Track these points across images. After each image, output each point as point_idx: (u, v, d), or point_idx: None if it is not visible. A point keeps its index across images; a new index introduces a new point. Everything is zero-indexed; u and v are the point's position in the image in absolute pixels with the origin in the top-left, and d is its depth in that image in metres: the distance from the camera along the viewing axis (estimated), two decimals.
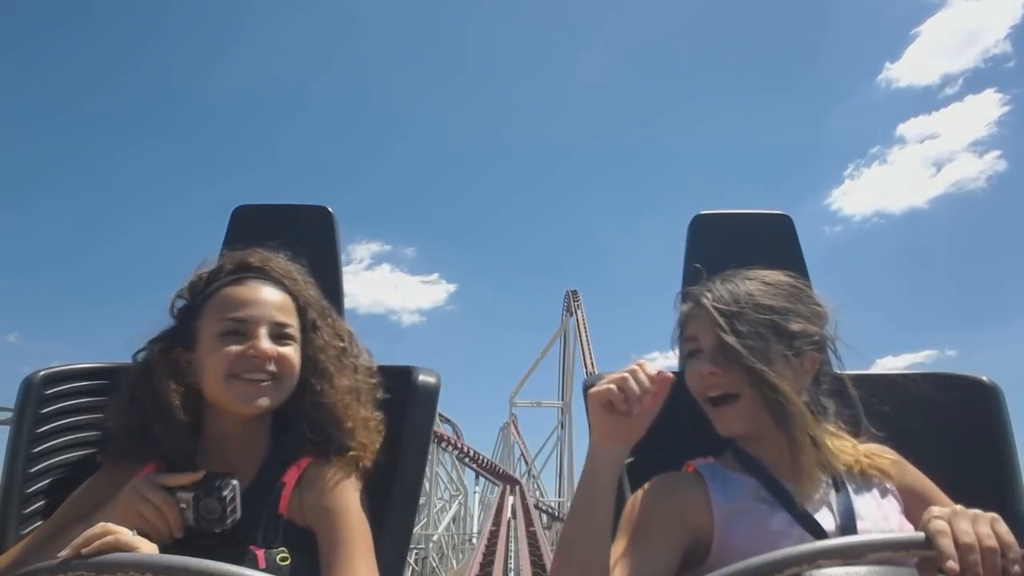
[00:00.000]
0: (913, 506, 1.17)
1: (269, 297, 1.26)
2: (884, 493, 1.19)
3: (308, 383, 1.27)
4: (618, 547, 1.11)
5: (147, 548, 0.92)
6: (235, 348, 1.19)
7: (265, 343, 1.20)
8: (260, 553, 1.11)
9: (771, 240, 1.39)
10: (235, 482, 1.13)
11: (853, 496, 1.16)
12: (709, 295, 1.23)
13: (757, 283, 1.24)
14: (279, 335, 1.24)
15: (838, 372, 1.33)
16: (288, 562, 1.12)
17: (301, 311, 1.30)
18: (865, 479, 1.20)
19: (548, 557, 16.66)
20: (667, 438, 1.30)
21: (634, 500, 1.19)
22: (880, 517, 1.14)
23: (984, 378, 1.43)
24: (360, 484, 1.25)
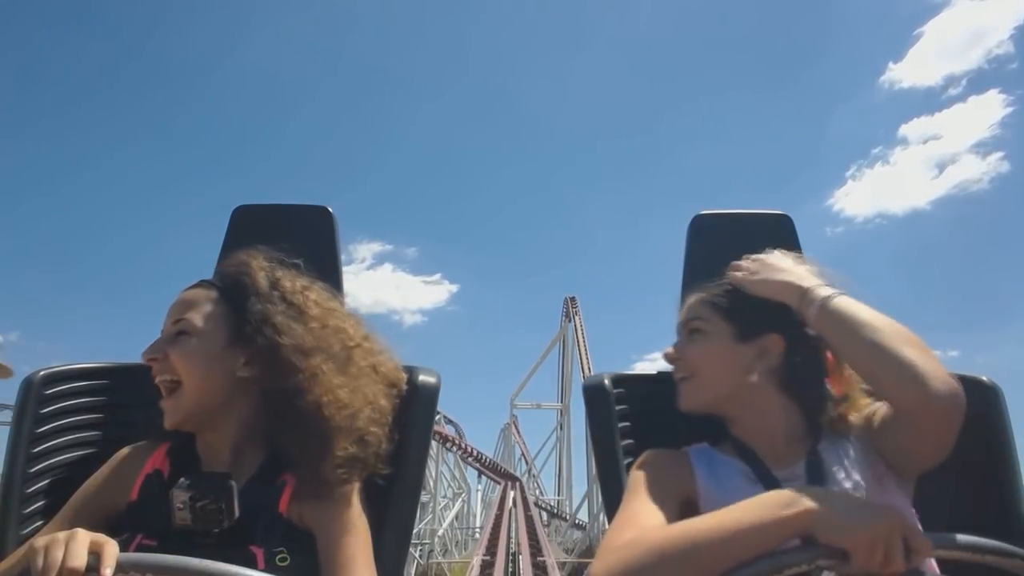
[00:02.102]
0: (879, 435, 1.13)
1: (180, 299, 1.19)
2: (850, 452, 1.15)
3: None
4: (622, 513, 1.06)
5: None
6: None
7: (145, 351, 1.15)
8: (260, 553, 1.06)
9: (771, 240, 1.34)
10: (232, 483, 1.08)
11: (824, 466, 1.13)
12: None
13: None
14: (174, 334, 1.15)
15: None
16: (287, 562, 1.06)
17: (234, 300, 1.18)
18: (837, 440, 1.17)
19: (543, 540, 21.46)
20: (667, 438, 1.26)
21: (630, 478, 1.15)
22: (851, 485, 1.10)
23: (984, 378, 1.36)
24: (359, 484, 1.18)
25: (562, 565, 19.50)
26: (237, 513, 1.07)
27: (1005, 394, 1.35)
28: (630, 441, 1.37)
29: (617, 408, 1.38)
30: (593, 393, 1.39)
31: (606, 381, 1.40)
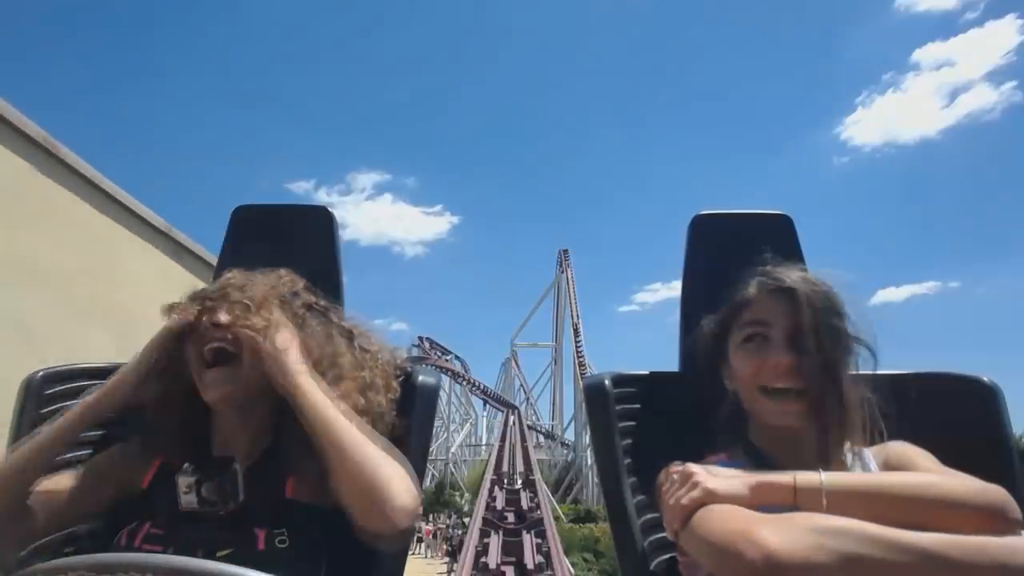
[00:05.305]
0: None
1: None
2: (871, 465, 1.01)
3: None
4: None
5: None
6: None
7: None
8: (261, 534, 0.97)
9: (771, 240, 1.18)
10: (237, 466, 1.00)
11: None
12: (790, 280, 0.99)
13: (823, 283, 1.01)
14: None
15: None
16: (287, 544, 0.98)
17: None
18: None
19: (532, 453, 29.46)
20: (667, 438, 1.12)
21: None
22: None
23: (984, 378, 1.22)
24: None
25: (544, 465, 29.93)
26: (242, 496, 0.99)
27: (1003, 392, 1.20)
28: (629, 441, 1.23)
29: (617, 408, 1.24)
30: (593, 393, 1.25)
31: (606, 382, 1.26)
